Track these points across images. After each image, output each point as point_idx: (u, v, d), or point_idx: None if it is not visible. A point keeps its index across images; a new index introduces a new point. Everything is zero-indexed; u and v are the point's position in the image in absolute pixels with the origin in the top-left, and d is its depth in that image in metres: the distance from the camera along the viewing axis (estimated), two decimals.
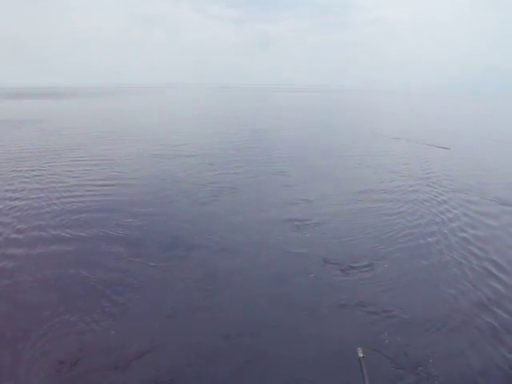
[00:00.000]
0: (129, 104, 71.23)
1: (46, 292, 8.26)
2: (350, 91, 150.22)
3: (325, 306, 7.83)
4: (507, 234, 11.64)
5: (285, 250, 10.11)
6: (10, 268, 9.19)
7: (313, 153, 23.89)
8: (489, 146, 28.89)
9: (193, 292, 8.26)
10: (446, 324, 7.36)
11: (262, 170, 18.50)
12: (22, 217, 12.16)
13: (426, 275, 9.09)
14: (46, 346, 6.66)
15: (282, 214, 12.70)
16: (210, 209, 13.10)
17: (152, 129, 33.89)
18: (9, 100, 75.55)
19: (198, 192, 14.84)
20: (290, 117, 49.15)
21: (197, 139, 28.12)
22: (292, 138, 30.48)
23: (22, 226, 11.45)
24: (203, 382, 5.96)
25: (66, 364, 6.26)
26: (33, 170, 17.74)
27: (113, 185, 15.79)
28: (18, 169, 17.99)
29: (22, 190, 14.77)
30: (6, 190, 14.74)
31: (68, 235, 10.86)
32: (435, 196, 14.90)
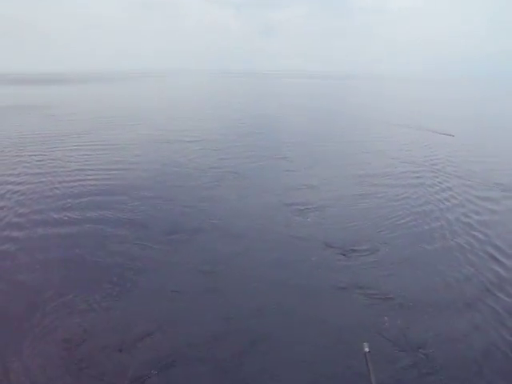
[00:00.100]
0: (130, 90, 70.92)
1: (49, 274, 8.31)
2: (351, 77, 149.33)
3: (326, 290, 7.87)
4: (509, 219, 11.63)
5: (287, 235, 10.13)
6: (13, 250, 9.24)
7: (315, 138, 23.82)
8: (493, 133, 28.77)
9: (196, 275, 8.29)
10: (448, 308, 7.39)
11: (265, 156, 18.45)
12: (25, 200, 12.19)
13: (428, 260, 9.10)
14: (51, 325, 6.72)
15: (285, 198, 12.70)
16: (212, 193, 13.11)
17: (154, 114, 33.75)
18: (13, 86, 75.16)
19: (201, 177, 14.84)
20: (291, 103, 48.90)
21: (199, 125, 28.00)
22: (294, 124, 30.37)
23: (24, 209, 11.49)
24: (206, 363, 6.01)
25: (72, 343, 6.33)
26: (35, 155, 17.73)
27: (116, 169, 15.79)
28: (22, 154, 17.99)
29: (24, 175, 14.79)
30: (9, 175, 14.75)
31: (70, 218, 10.90)
32: (439, 182, 14.86)
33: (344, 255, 9.14)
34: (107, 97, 54.95)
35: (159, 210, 11.65)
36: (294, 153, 19.39)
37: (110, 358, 6.06)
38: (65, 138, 22.05)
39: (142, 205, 11.93)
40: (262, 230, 10.37)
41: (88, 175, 14.82)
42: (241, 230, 10.37)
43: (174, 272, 8.42)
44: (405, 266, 8.76)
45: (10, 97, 52.69)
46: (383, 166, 17.10)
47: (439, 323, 6.95)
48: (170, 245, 9.51)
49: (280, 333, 6.66)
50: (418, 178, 15.47)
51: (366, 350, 2.63)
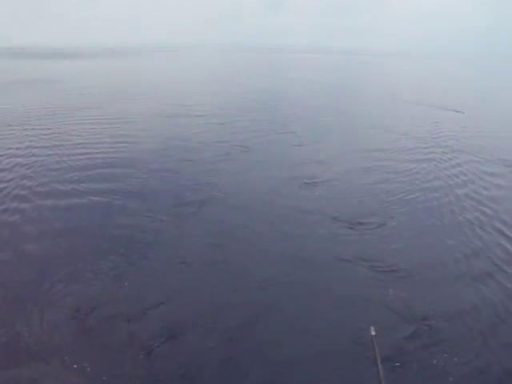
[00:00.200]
0: (141, 65, 70.27)
1: (58, 245, 8.40)
2: (360, 53, 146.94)
3: (332, 262, 7.91)
4: None
5: (294, 208, 10.13)
6: (22, 222, 9.34)
7: (323, 113, 23.62)
8: (505, 110, 28.38)
9: (203, 247, 8.34)
10: (454, 281, 7.40)
11: (272, 130, 18.35)
12: (33, 173, 12.25)
13: (436, 234, 9.07)
14: (59, 295, 6.81)
15: (292, 172, 12.68)
16: (220, 167, 13.10)
17: (164, 89, 33.51)
18: (25, 60, 74.67)
19: (208, 151, 14.81)
20: (301, 77, 48.37)
21: (209, 99, 27.81)
22: (301, 98, 30.08)
23: (32, 182, 11.56)
24: (213, 332, 6.07)
25: (81, 313, 6.41)
26: (43, 129, 17.74)
27: (123, 142, 15.78)
28: (29, 127, 17.99)
29: (32, 148, 14.82)
30: (17, 148, 14.79)
31: (78, 191, 10.97)
32: (449, 158, 14.70)
33: (351, 228, 9.14)
34: (117, 71, 54.56)
35: (167, 182, 11.70)
36: (302, 127, 19.26)
37: (118, 328, 6.14)
38: (73, 111, 22.02)
39: (149, 177, 11.98)
40: (269, 204, 10.37)
41: (96, 148, 14.82)
42: (248, 203, 10.38)
43: (181, 244, 8.47)
44: (412, 240, 8.75)
45: (21, 71, 52.43)
46: (392, 142, 16.96)
47: (445, 296, 6.97)
48: (178, 217, 9.55)
49: (287, 304, 6.72)
50: (426, 153, 15.33)
51: (373, 333, 2.63)
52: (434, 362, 5.56)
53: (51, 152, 14.31)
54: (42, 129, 17.79)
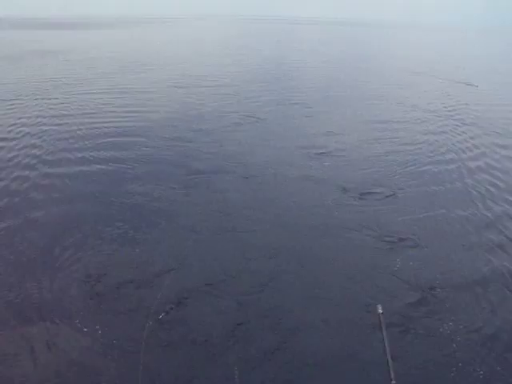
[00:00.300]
0: (149, 35, 69.53)
1: (68, 211, 8.52)
2: (372, 25, 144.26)
3: (341, 231, 7.93)
4: None
5: (304, 178, 10.14)
6: (32, 188, 9.46)
7: (334, 85, 23.35)
8: None
9: (213, 215, 8.39)
10: (464, 254, 7.36)
11: (284, 100, 18.22)
12: (44, 142, 12.33)
13: (446, 206, 9.01)
14: (69, 260, 6.91)
15: (303, 143, 12.64)
16: (231, 137, 13.10)
17: (176, 60, 33.23)
18: (38, 31, 74.16)
19: (220, 121, 14.77)
20: (313, 49, 47.68)
21: (220, 70, 27.56)
22: (313, 70, 29.69)
23: (43, 150, 11.65)
24: (222, 299, 6.14)
25: (91, 278, 6.50)
26: (55, 99, 17.75)
27: (134, 112, 15.79)
28: (42, 97, 18.00)
29: (43, 117, 14.87)
30: (28, 117, 14.85)
31: (89, 159, 11.05)
32: (463, 132, 14.44)
33: (360, 199, 9.14)
34: (130, 42, 54.05)
35: (177, 151, 11.74)
36: (312, 98, 19.11)
37: (128, 294, 6.22)
38: (83, 82, 21.96)
39: (159, 146, 12.02)
40: (278, 174, 10.38)
41: (105, 118, 14.85)
42: (258, 173, 10.40)
43: (191, 212, 8.51)
44: (421, 212, 8.70)
45: (33, 42, 52.14)
46: (403, 114, 16.75)
47: (453, 267, 6.96)
48: (188, 186, 9.60)
49: (295, 271, 6.77)
50: (438, 126, 15.13)
51: (380, 311, 2.63)
52: (440, 330, 5.59)
53: (61, 121, 14.35)
54: (52, 99, 17.80)
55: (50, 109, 16.08)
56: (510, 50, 63.84)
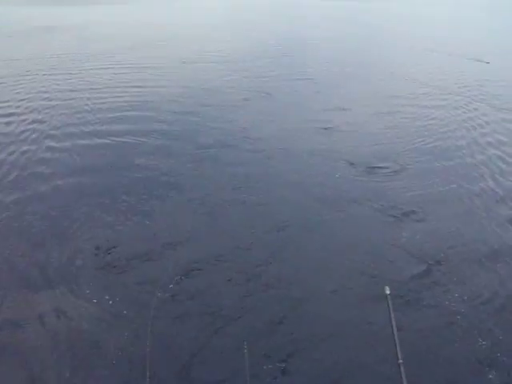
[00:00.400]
0: (156, 11, 68.55)
1: (78, 183, 8.63)
2: None
3: (348, 204, 7.99)
4: None
5: (311, 152, 10.16)
6: (40, 162, 9.56)
7: (343, 60, 22.92)
8: None
9: (223, 189, 8.46)
10: (473, 228, 7.36)
11: (292, 76, 18.01)
12: (56, 116, 12.39)
13: (456, 182, 8.95)
14: (79, 232, 7.02)
15: (311, 117, 12.60)
16: (241, 112, 13.07)
17: (182, 35, 32.83)
18: (49, 7, 73.35)
19: (230, 96, 14.71)
20: (320, 25, 46.87)
21: (229, 46, 27.21)
22: (321, 46, 29.25)
23: (55, 123, 11.75)
24: (230, 270, 6.23)
25: (102, 249, 6.62)
26: (65, 74, 17.64)
27: (145, 86, 15.74)
28: (53, 73, 17.90)
29: (55, 92, 14.86)
30: (40, 92, 14.85)
31: (100, 132, 11.11)
32: (474, 108, 14.12)
33: (368, 173, 9.16)
34: (133, 17, 53.36)
35: (186, 126, 11.77)
36: (320, 74, 18.87)
37: (137, 266, 6.32)
38: (93, 57, 21.78)
39: (168, 121, 12.05)
40: (286, 148, 10.40)
41: (116, 92, 14.82)
42: (266, 147, 10.41)
43: (200, 185, 8.58)
44: (430, 187, 8.69)
45: (40, 18, 51.72)
46: (411, 90, 16.46)
47: (461, 241, 6.99)
48: (197, 159, 9.66)
49: (303, 244, 6.87)
50: (448, 102, 14.85)
51: (387, 292, 2.65)
52: (446, 302, 5.65)
53: (69, 96, 14.33)
54: (61, 74, 17.68)
55: (59, 84, 16.03)
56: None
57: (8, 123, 11.72)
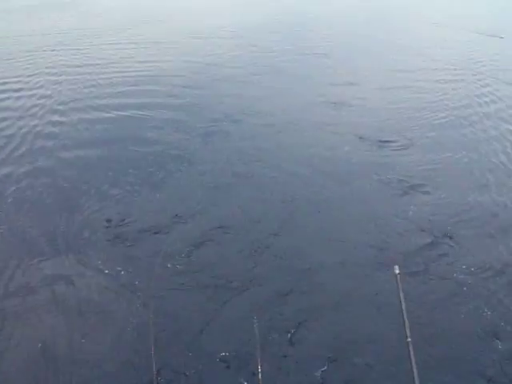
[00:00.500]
0: None
1: (90, 158, 8.69)
2: None
3: (357, 177, 8.00)
4: None
5: (322, 126, 10.16)
6: (56, 133, 9.70)
7: (353, 36, 22.54)
8: None
9: (232, 162, 8.49)
10: (482, 201, 7.32)
11: (303, 51, 17.78)
12: (64, 90, 12.42)
13: (466, 157, 8.87)
14: (90, 205, 7.13)
15: (321, 92, 12.51)
16: (251, 86, 13.03)
17: (189, 11, 32.44)
18: None
19: (240, 71, 14.60)
20: (333, 1, 46.06)
21: (238, 20, 26.88)
22: (335, 22, 28.77)
23: (64, 98, 11.79)
24: (237, 242, 6.31)
25: (112, 222, 6.71)
26: (73, 50, 17.55)
27: (154, 61, 15.66)
28: (59, 49, 17.82)
29: (63, 67, 14.84)
30: (47, 67, 14.84)
31: (109, 106, 11.16)
32: (487, 84, 13.80)
33: (377, 146, 9.12)
34: None
35: (196, 100, 11.76)
36: (331, 49, 18.59)
37: (147, 239, 6.40)
38: (101, 33, 21.59)
39: (178, 95, 12.06)
40: (297, 122, 10.38)
41: (124, 67, 14.77)
42: (276, 122, 10.40)
43: (210, 159, 8.62)
44: (439, 161, 8.65)
45: None
46: (422, 65, 16.12)
47: (470, 214, 6.98)
48: (210, 134, 9.66)
49: (311, 216, 6.93)
50: (460, 77, 14.56)
51: (397, 271, 2.66)
52: (454, 274, 5.68)
53: (79, 71, 14.33)
54: (71, 49, 17.62)
55: (68, 59, 15.98)
56: None
57: (17, 98, 11.78)
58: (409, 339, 2.39)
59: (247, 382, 4.24)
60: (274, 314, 5.06)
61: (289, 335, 4.79)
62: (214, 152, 8.86)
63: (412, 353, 2.32)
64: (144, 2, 36.44)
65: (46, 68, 14.73)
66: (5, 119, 10.34)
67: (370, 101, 11.88)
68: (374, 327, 4.91)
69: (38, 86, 12.86)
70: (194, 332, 4.85)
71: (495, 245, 6.26)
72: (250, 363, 4.30)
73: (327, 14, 32.05)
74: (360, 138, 9.49)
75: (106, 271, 5.75)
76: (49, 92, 12.27)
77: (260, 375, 2.95)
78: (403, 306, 2.53)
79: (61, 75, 13.89)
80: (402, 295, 2.57)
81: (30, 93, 12.21)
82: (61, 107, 11.10)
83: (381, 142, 9.29)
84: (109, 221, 6.70)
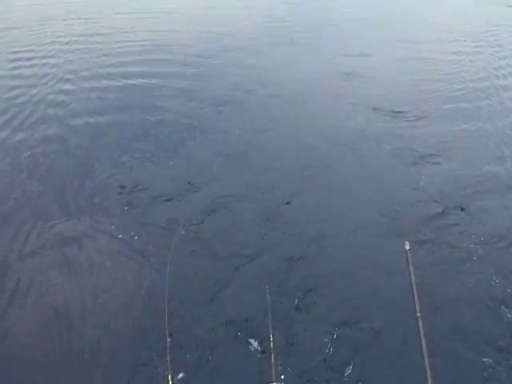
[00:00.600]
0: None
1: (102, 125, 8.73)
2: None
3: (369, 148, 7.95)
4: None
5: (334, 97, 10.11)
6: (67, 101, 9.73)
7: (368, 7, 22.10)
8: None
9: (246, 132, 8.48)
10: (495, 177, 7.21)
11: (318, 23, 17.47)
12: (75, 60, 12.41)
13: (480, 132, 8.70)
14: (104, 172, 7.19)
15: (335, 63, 12.40)
16: (263, 57, 12.88)
17: None
18: None
19: (253, 41, 14.46)
20: None
21: None
22: None
23: (74, 67, 11.78)
24: (249, 210, 6.34)
25: (126, 189, 6.78)
26: (83, 19, 17.42)
27: (168, 30, 15.61)
28: (69, 18, 17.68)
29: (73, 36, 14.78)
30: (58, 36, 14.78)
31: (121, 74, 11.17)
32: (502, 57, 13.49)
33: (390, 117, 9.05)
34: None
35: (209, 69, 11.72)
36: (344, 20, 18.23)
37: (160, 206, 6.46)
38: (113, 2, 21.36)
39: (192, 64, 12.01)
40: (309, 92, 10.32)
41: (137, 37, 14.70)
42: (289, 92, 10.36)
43: (223, 128, 8.63)
44: (452, 132, 8.57)
45: None
46: (436, 35, 15.74)
47: (481, 185, 6.93)
48: (223, 104, 9.63)
49: (323, 185, 6.95)
50: (473, 47, 14.19)
51: (407, 247, 2.65)
52: (464, 244, 5.69)
53: (92, 40, 14.29)
54: (82, 19, 17.49)
55: (80, 29, 15.88)
56: None
57: (30, 66, 11.81)
58: (418, 314, 2.41)
59: (259, 346, 4.31)
60: (284, 280, 5.12)
61: (298, 301, 4.85)
62: (226, 121, 8.86)
63: (421, 328, 2.35)
64: None
65: (58, 37, 14.67)
66: (18, 87, 10.38)
67: (384, 72, 11.73)
68: (382, 294, 4.95)
69: (49, 55, 12.84)
70: (206, 298, 4.92)
71: (508, 216, 6.22)
72: (261, 329, 4.37)
73: None
74: (373, 108, 9.40)
75: (120, 236, 5.83)
76: (61, 61, 12.26)
77: (272, 344, 3.03)
78: (413, 281, 2.54)
79: (72, 44, 13.85)
80: (412, 270, 2.58)
81: (42, 62, 12.21)
82: (72, 76, 11.11)
83: (394, 112, 9.21)
84: (122, 187, 6.77)
